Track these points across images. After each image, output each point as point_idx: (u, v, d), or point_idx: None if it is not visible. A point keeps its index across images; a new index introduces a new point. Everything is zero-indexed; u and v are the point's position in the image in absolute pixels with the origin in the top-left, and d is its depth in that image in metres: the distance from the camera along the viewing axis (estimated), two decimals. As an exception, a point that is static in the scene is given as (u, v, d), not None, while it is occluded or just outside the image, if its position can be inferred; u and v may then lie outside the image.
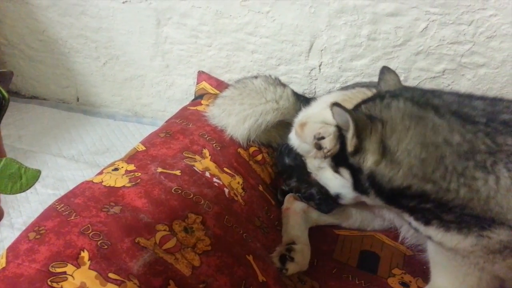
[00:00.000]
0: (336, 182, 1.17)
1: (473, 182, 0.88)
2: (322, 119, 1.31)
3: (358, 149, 0.97)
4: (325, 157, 1.12)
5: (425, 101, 0.97)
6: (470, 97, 0.99)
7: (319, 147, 1.12)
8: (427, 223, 0.97)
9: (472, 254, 0.96)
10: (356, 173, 1.03)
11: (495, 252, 0.92)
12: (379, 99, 1.02)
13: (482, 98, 1.00)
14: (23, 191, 0.57)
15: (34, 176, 0.57)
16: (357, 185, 1.05)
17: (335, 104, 0.98)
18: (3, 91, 0.54)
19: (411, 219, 1.01)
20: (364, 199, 1.10)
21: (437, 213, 0.94)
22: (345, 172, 1.07)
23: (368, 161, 0.97)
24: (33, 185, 0.58)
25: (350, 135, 0.97)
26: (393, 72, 1.20)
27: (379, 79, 1.20)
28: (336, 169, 1.13)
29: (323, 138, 1.10)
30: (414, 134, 0.93)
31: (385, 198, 1.01)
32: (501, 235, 0.89)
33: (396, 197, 0.99)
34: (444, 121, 0.92)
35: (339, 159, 1.08)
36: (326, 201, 1.38)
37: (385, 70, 1.20)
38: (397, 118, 0.95)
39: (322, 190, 1.36)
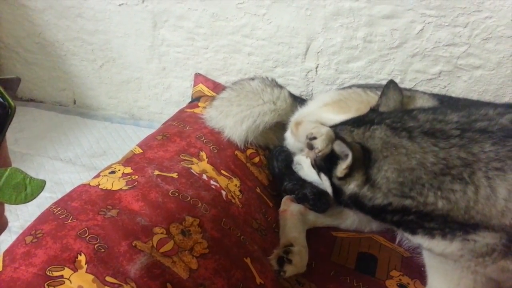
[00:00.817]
0: (312, 174, 1.24)
1: (451, 194, 0.90)
2: (317, 118, 1.32)
3: (345, 177, 1.03)
4: (316, 157, 1.12)
5: (401, 126, 1.01)
6: (444, 112, 1.01)
7: (310, 147, 1.13)
8: (413, 232, 1.00)
9: (462, 258, 0.97)
10: (337, 191, 1.08)
11: (483, 255, 0.93)
12: (369, 125, 1.05)
13: (458, 110, 1.01)
14: (28, 202, 0.56)
15: (39, 186, 0.57)
16: (338, 200, 1.11)
17: (340, 138, 1.03)
18: (10, 100, 0.52)
19: (399, 231, 1.04)
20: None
21: (420, 223, 0.97)
22: (326, 181, 1.13)
23: (351, 186, 1.03)
24: (38, 195, 0.57)
25: (344, 166, 1.02)
26: (398, 89, 1.22)
27: (383, 92, 1.22)
28: (317, 172, 1.17)
29: (315, 138, 1.11)
30: (391, 162, 0.97)
31: (369, 213, 1.06)
32: (486, 238, 0.89)
33: (379, 213, 1.02)
34: (416, 144, 0.96)
35: (322, 168, 1.13)
36: (320, 200, 1.39)
37: (391, 86, 1.22)
38: (378, 149, 1.00)
39: (315, 190, 1.37)
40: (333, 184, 1.09)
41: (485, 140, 0.91)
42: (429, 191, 0.92)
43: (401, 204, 0.96)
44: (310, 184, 1.38)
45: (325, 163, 1.10)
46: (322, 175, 1.14)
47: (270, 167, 1.58)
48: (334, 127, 1.14)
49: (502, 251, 0.90)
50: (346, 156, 1.01)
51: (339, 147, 1.03)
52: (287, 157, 1.52)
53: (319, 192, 1.37)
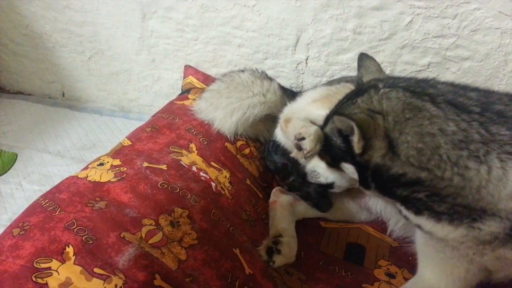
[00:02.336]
0: (331, 174, 1.19)
1: (466, 172, 0.89)
2: (306, 115, 1.32)
3: (366, 148, 0.98)
4: (305, 158, 1.12)
5: (421, 90, 0.98)
6: (465, 87, 1.01)
7: (299, 148, 1.12)
8: (417, 213, 0.98)
9: (462, 245, 0.97)
10: (362, 169, 1.03)
11: (485, 243, 0.93)
12: (373, 90, 1.02)
13: (476, 89, 1.01)
14: (1, 175, 0.56)
15: (10, 159, 0.56)
16: (363, 181, 1.05)
17: (337, 114, 1.00)
18: None
19: (402, 208, 1.02)
20: (362, 190, 1.11)
21: (429, 204, 0.95)
22: (350, 168, 1.07)
23: (375, 156, 0.98)
24: (9, 168, 0.57)
25: (356, 139, 0.98)
26: (372, 58, 1.21)
27: (359, 66, 1.20)
28: (335, 165, 1.13)
29: (303, 139, 1.10)
30: (412, 125, 0.94)
31: (381, 187, 1.03)
32: (491, 227, 0.90)
33: (390, 186, 1.00)
34: (440, 110, 0.94)
35: (341, 156, 1.08)
36: (324, 200, 1.39)
37: (363, 57, 1.21)
38: (398, 110, 0.96)
39: (318, 190, 1.37)
40: (359, 167, 1.03)
41: (501, 123, 0.91)
42: (446, 164, 0.90)
43: (416, 176, 0.93)
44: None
45: (341, 150, 1.05)
46: (344, 164, 1.08)
47: (270, 163, 1.57)
48: (334, 111, 1.11)
49: (503, 239, 0.91)
50: (352, 128, 0.97)
51: (340, 122, 1.00)
52: (285, 151, 1.51)
53: (323, 191, 1.36)
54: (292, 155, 1.27)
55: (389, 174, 0.97)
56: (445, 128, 0.92)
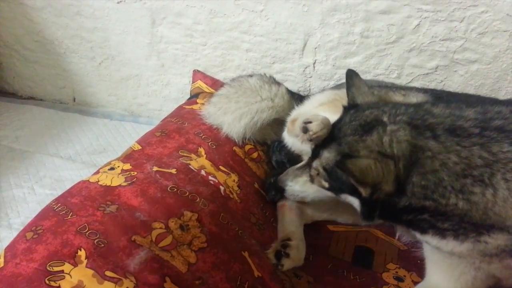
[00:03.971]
0: (321, 193, 1.19)
1: (472, 196, 0.89)
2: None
3: (373, 192, 0.96)
4: (310, 140, 1.11)
5: (422, 123, 0.96)
6: (460, 107, 0.99)
7: (305, 130, 1.12)
8: (423, 232, 0.99)
9: (469, 256, 0.97)
10: (367, 205, 1.01)
11: (491, 256, 0.94)
12: (381, 127, 0.98)
13: (473, 105, 0.99)
14: None
15: None
16: (366, 215, 1.04)
17: (339, 165, 0.98)
18: None
19: (408, 230, 1.03)
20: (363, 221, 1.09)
21: (433, 222, 0.95)
22: (353, 200, 1.06)
23: (382, 195, 0.96)
24: None
25: (360, 189, 0.97)
26: (359, 75, 1.18)
27: (349, 84, 1.16)
28: (335, 192, 1.12)
29: (310, 122, 1.11)
30: (418, 167, 0.93)
31: (386, 218, 1.03)
32: (498, 240, 0.90)
33: (395, 215, 1.00)
34: (441, 145, 0.92)
35: (345, 189, 1.06)
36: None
37: (352, 74, 1.17)
38: (407, 154, 0.94)
39: None
40: (363, 202, 1.02)
41: (503, 140, 0.90)
42: (451, 193, 0.90)
43: (420, 205, 0.94)
44: None
45: (348, 183, 1.02)
46: (347, 196, 1.07)
47: (274, 160, 1.58)
48: (338, 136, 1.07)
49: (511, 251, 0.91)
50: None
51: (340, 173, 0.99)
52: (289, 153, 1.52)
53: None
54: (298, 138, 1.26)
55: (395, 207, 0.97)
56: (447, 162, 0.91)
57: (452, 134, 0.93)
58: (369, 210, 1.02)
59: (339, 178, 1.05)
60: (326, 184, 1.11)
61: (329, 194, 1.15)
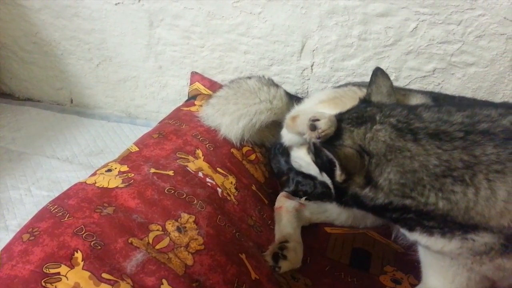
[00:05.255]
0: (313, 168, 1.24)
1: (452, 195, 0.91)
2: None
3: (345, 181, 1.03)
4: (319, 138, 1.12)
5: (406, 126, 1.00)
6: (449, 111, 1.01)
7: (313, 128, 1.12)
8: (411, 229, 1.01)
9: (460, 256, 0.98)
10: (339, 191, 1.08)
11: (481, 254, 0.94)
12: (370, 123, 1.03)
13: (463, 109, 1.01)
14: None
15: None
16: (339, 199, 1.11)
17: (327, 148, 1.03)
18: None
19: (397, 226, 1.04)
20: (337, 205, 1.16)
21: (419, 221, 0.98)
22: (327, 180, 1.14)
23: (353, 187, 1.03)
24: None
25: (338, 173, 1.03)
26: (386, 76, 1.20)
27: (371, 80, 1.20)
28: (320, 171, 1.19)
29: (318, 120, 1.11)
30: (393, 165, 0.97)
31: (369, 211, 1.07)
32: (485, 238, 0.91)
33: (379, 210, 1.03)
34: (421, 147, 0.96)
35: (324, 169, 1.14)
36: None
37: (378, 73, 1.20)
38: (381, 153, 0.99)
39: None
40: (335, 185, 1.09)
41: (487, 143, 0.91)
42: (430, 192, 0.93)
43: (401, 203, 0.97)
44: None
45: (327, 164, 1.09)
46: (324, 174, 1.15)
47: (274, 164, 1.58)
48: (340, 119, 1.12)
49: (500, 250, 0.92)
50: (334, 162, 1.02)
51: (328, 153, 1.04)
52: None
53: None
54: (305, 136, 1.27)
55: (375, 204, 1.01)
56: (426, 164, 0.94)
57: (434, 138, 0.96)
58: (338, 195, 1.09)
59: (320, 157, 1.14)
60: (314, 159, 1.21)
61: (315, 169, 1.23)
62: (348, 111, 1.14)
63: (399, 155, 0.97)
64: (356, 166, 1.00)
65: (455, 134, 0.95)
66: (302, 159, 1.34)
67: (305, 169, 1.36)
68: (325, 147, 1.05)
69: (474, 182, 0.89)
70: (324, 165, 1.12)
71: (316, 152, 1.19)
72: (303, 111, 1.41)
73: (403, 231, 1.06)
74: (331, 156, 1.02)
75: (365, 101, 1.17)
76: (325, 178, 1.16)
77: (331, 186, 1.13)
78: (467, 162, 0.91)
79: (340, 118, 1.11)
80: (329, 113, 1.14)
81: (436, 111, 1.02)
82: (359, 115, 1.09)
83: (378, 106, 1.10)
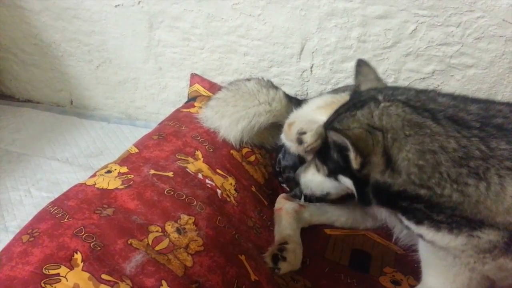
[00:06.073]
0: (328, 184, 1.18)
1: (465, 188, 0.90)
2: (311, 120, 1.33)
3: (364, 164, 0.97)
4: (305, 151, 1.12)
5: (421, 105, 0.97)
6: (464, 100, 1.00)
7: (300, 142, 1.13)
8: (418, 222, 0.99)
9: (464, 254, 0.98)
10: (361, 185, 1.03)
11: (485, 252, 0.94)
12: (373, 103, 1.01)
13: (476, 101, 1.00)
14: None
15: None
16: (362, 197, 1.05)
17: (333, 129, 0.99)
18: None
19: (403, 218, 1.03)
20: (362, 206, 1.12)
21: (428, 213, 0.95)
22: (347, 182, 1.07)
23: (374, 172, 0.97)
24: None
25: (352, 156, 0.97)
26: (370, 65, 1.20)
27: (357, 72, 1.19)
28: (332, 176, 1.13)
29: (304, 133, 1.11)
30: (413, 142, 0.93)
31: (381, 202, 1.03)
32: (490, 235, 0.91)
33: (390, 200, 1.00)
34: (441, 127, 0.93)
35: (339, 168, 1.08)
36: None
37: (361, 63, 1.20)
38: (398, 127, 0.95)
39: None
40: (356, 181, 1.03)
41: (501, 137, 0.91)
42: (446, 182, 0.90)
43: (415, 193, 0.93)
44: None
45: (340, 163, 1.04)
46: (342, 177, 1.08)
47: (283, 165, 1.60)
48: (331, 120, 1.11)
49: (503, 248, 0.91)
50: (347, 146, 0.97)
51: (336, 137, 1.00)
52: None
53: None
54: (293, 150, 1.27)
55: (390, 191, 0.96)
56: (446, 145, 0.91)
57: (453, 122, 0.93)
58: (363, 192, 1.02)
59: (330, 158, 1.08)
60: (326, 169, 1.13)
61: (329, 184, 1.17)
62: (342, 105, 1.11)
63: (419, 132, 0.93)
64: (368, 144, 0.94)
65: (472, 124, 0.93)
66: (313, 181, 1.26)
67: (320, 190, 1.28)
68: (336, 129, 1.00)
69: (486, 176, 0.89)
70: (337, 164, 1.07)
71: (324, 152, 1.12)
72: (300, 117, 1.41)
73: (409, 224, 1.01)
74: (340, 139, 0.97)
75: (356, 92, 1.15)
76: (343, 182, 1.09)
77: (352, 187, 1.07)
78: (484, 153, 0.89)
79: (338, 113, 1.08)
80: (317, 125, 1.14)
81: (451, 97, 1.01)
82: (355, 101, 1.06)
83: (374, 89, 1.08)
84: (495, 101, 1.05)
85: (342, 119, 1.04)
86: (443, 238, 0.96)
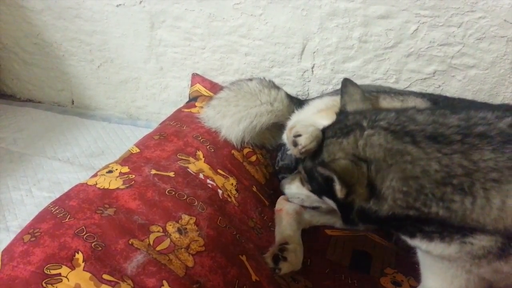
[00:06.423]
0: (314, 197, 1.22)
1: (451, 204, 0.90)
2: (311, 123, 1.33)
3: (349, 193, 1.00)
4: (300, 154, 1.13)
5: (401, 129, 0.98)
6: (443, 114, 0.99)
7: (295, 144, 1.13)
8: (411, 236, 1.00)
9: (459, 259, 0.98)
10: (345, 210, 1.05)
11: (480, 257, 0.94)
12: (358, 131, 1.02)
13: (457, 112, 0.99)
14: None
15: None
16: (347, 218, 1.08)
17: (320, 164, 1.03)
18: None
19: (396, 233, 1.05)
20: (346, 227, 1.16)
21: (419, 226, 0.97)
22: (331, 203, 1.11)
23: (358, 201, 1.00)
24: None
25: (338, 188, 1.00)
26: (355, 85, 1.22)
27: (342, 92, 1.21)
28: (317, 194, 1.17)
29: (300, 135, 1.12)
30: (395, 171, 0.95)
31: (373, 223, 1.06)
32: (483, 241, 0.91)
33: (379, 221, 1.02)
34: (421, 151, 0.94)
35: (323, 191, 1.11)
36: None
37: (347, 83, 1.22)
38: (380, 157, 0.97)
39: None
40: (339, 204, 1.06)
41: (485, 146, 0.90)
42: (432, 201, 0.91)
43: (404, 214, 0.95)
44: None
45: (325, 186, 1.07)
46: (326, 198, 1.12)
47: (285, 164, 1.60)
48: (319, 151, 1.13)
49: (497, 253, 0.91)
50: (333, 178, 1.00)
51: (323, 171, 1.02)
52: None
53: None
54: (289, 152, 1.28)
55: (378, 215, 0.98)
56: (428, 169, 0.92)
57: (433, 141, 0.94)
58: (346, 214, 1.06)
59: (315, 179, 1.11)
60: (309, 187, 1.19)
61: (315, 198, 1.21)
62: (329, 126, 1.14)
63: (400, 159, 0.94)
64: (354, 176, 0.97)
65: (453, 138, 0.93)
66: (301, 193, 1.31)
67: (308, 202, 1.33)
68: (317, 165, 1.04)
69: (472, 190, 0.89)
70: (322, 187, 1.10)
71: (309, 175, 1.16)
72: (301, 121, 1.41)
73: (403, 237, 1.05)
74: (326, 173, 1.00)
75: (342, 113, 1.16)
76: (327, 202, 1.13)
77: (335, 207, 1.10)
78: (466, 168, 0.89)
79: (325, 136, 1.11)
80: (313, 128, 1.15)
81: (429, 113, 1.00)
82: (342, 126, 1.08)
83: (359, 113, 1.10)
84: (479, 107, 1.04)
85: (329, 145, 1.07)
86: (436, 247, 0.97)
